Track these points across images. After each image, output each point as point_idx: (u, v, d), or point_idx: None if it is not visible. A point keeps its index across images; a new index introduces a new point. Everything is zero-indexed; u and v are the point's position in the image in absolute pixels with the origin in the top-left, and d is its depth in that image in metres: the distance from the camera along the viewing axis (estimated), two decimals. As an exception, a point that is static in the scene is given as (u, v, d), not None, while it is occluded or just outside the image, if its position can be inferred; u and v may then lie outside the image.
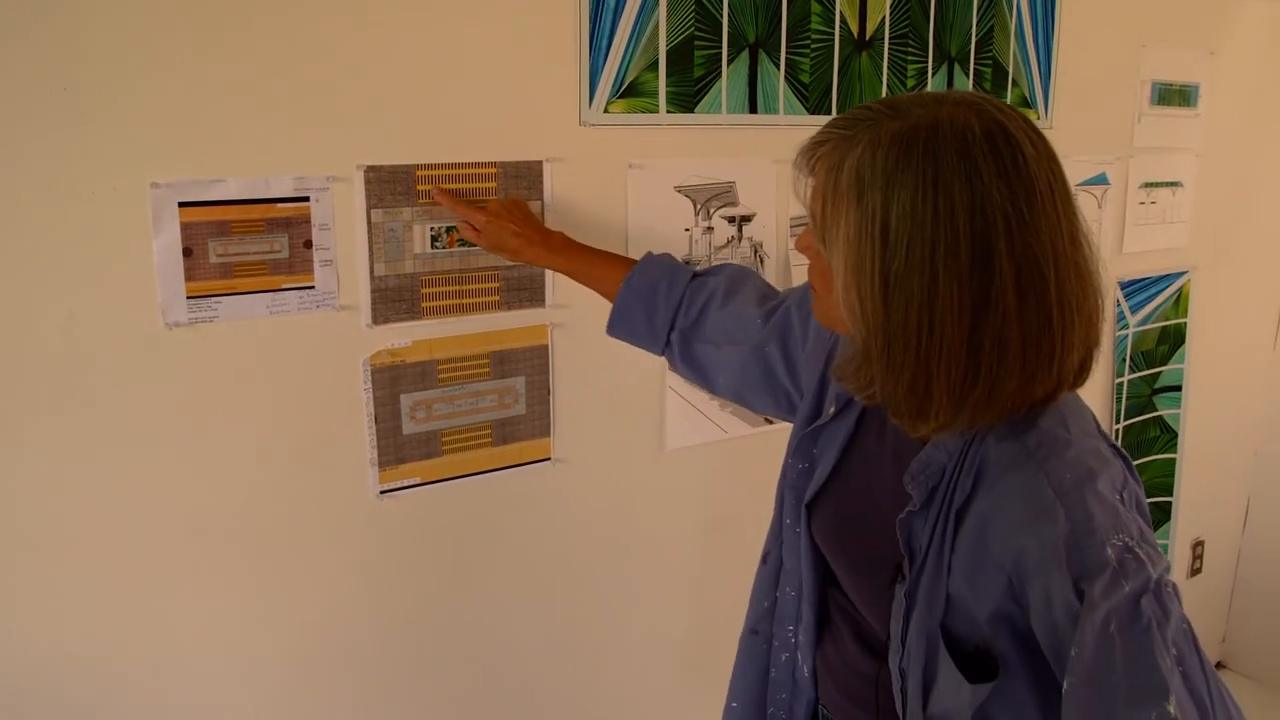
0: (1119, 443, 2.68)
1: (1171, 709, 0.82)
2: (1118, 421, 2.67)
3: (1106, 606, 0.83)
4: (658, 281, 1.42)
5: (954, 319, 0.85)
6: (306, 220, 1.39)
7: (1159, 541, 2.86)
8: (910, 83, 1.93)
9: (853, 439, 1.13)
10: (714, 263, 1.74)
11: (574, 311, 1.63)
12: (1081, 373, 0.93)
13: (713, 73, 1.69)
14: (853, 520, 1.11)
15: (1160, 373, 2.75)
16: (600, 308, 1.65)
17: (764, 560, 1.28)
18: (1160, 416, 2.79)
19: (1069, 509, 0.87)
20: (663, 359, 1.47)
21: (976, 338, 0.86)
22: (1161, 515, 2.87)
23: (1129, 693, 0.83)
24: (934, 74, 1.97)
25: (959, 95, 0.89)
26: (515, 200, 1.53)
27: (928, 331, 0.86)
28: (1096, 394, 2.61)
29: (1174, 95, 2.52)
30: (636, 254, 1.47)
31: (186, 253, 1.32)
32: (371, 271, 1.45)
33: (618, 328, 1.46)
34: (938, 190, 0.84)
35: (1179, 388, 2.81)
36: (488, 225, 1.47)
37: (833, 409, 1.14)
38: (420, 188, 1.46)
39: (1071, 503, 0.87)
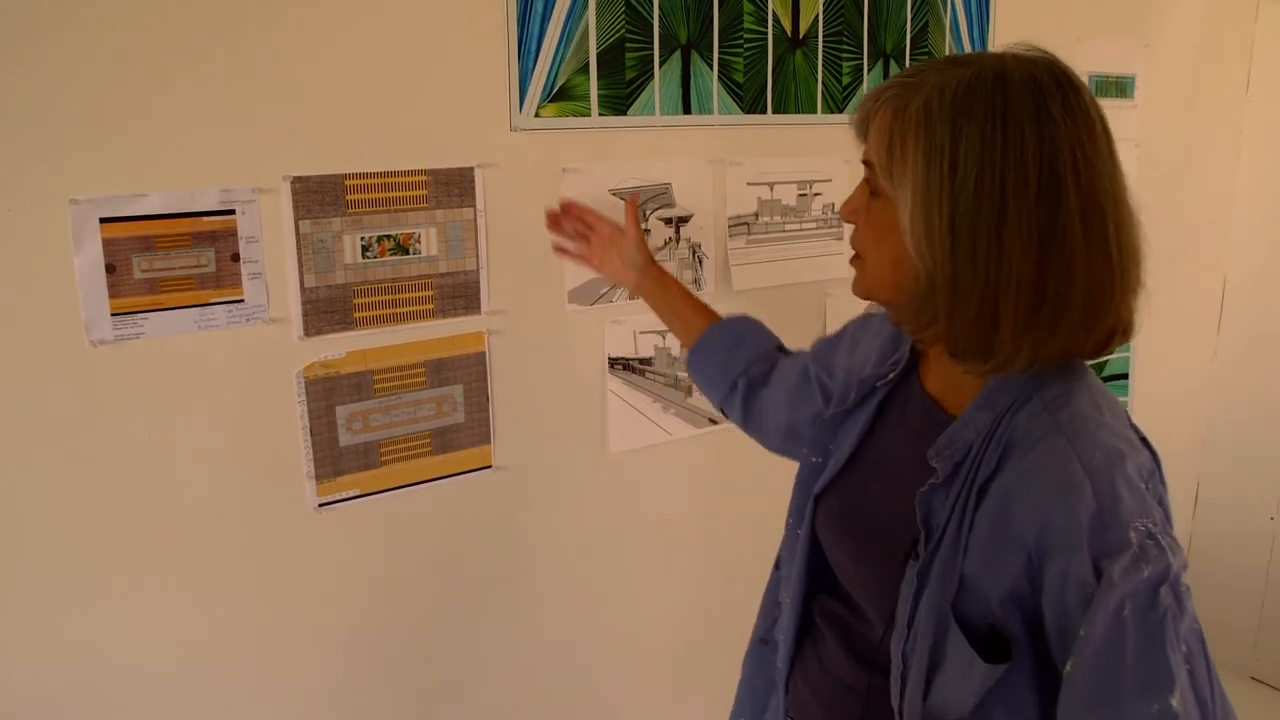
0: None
1: (1175, 703, 0.81)
2: (1065, 411, 2.69)
3: (1123, 589, 0.83)
4: (745, 335, 1.47)
5: (1022, 247, 0.87)
6: (233, 233, 1.37)
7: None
8: (845, 79, 1.94)
9: (871, 427, 1.12)
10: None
11: (511, 318, 1.63)
12: (1130, 325, 0.95)
13: (645, 74, 1.69)
14: (866, 502, 1.09)
15: (1106, 362, 2.78)
16: (538, 314, 1.65)
17: (775, 565, 1.27)
18: (1108, 405, 2.81)
19: (1097, 487, 0.86)
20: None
21: (1043, 267, 0.87)
22: (1112, 502, 2.89)
23: (1136, 679, 0.82)
24: (870, 70, 1.98)
25: (1023, 51, 0.93)
26: (608, 226, 1.60)
27: (995, 261, 0.87)
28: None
29: (1111, 87, 2.54)
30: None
31: (109, 269, 1.30)
32: (302, 283, 1.43)
33: (696, 355, 1.51)
34: (1007, 123, 0.86)
35: (1126, 375, 2.84)
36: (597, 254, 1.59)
37: (853, 397, 1.14)
38: (349, 197, 1.44)
39: (1100, 481, 0.86)
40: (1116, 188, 0.90)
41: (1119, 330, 0.93)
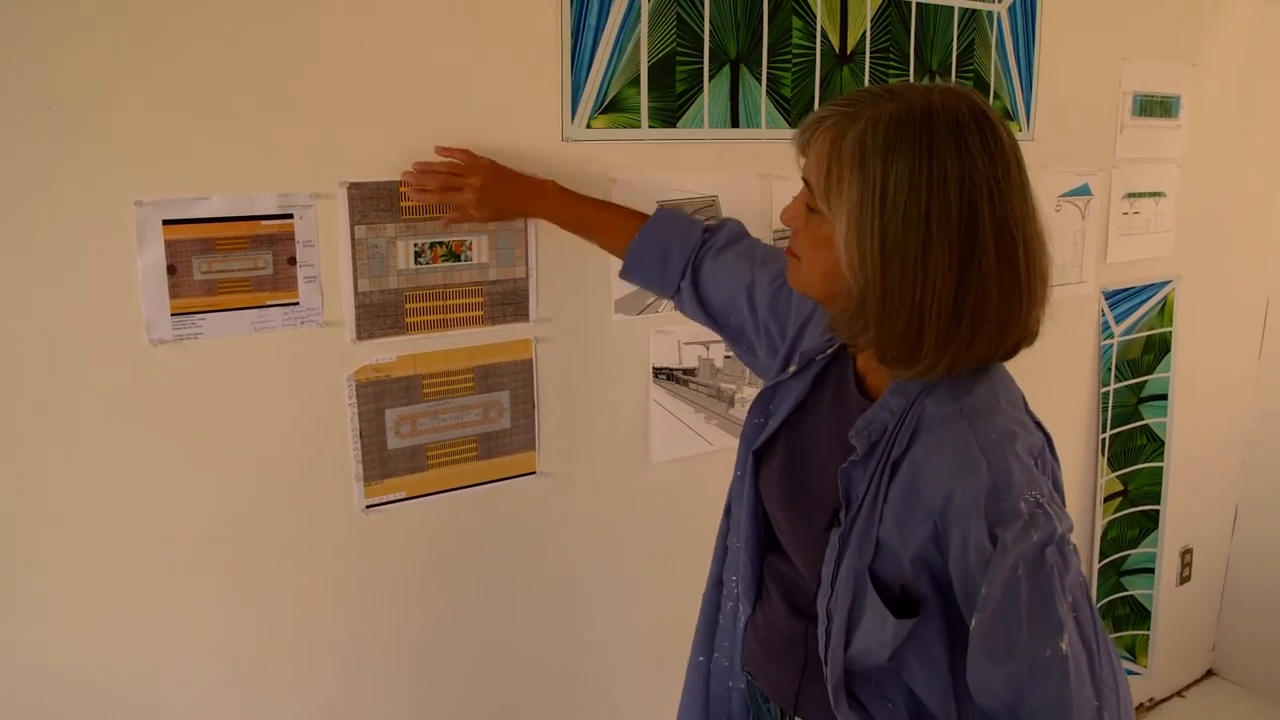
0: (1106, 452, 2.69)
1: (1064, 646, 0.95)
2: (1104, 430, 2.68)
3: (1016, 552, 0.95)
4: (670, 242, 1.50)
5: (944, 272, 0.97)
6: (290, 237, 1.40)
7: (1147, 550, 2.87)
8: (892, 96, 1.95)
9: (807, 398, 1.24)
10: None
11: (558, 326, 1.64)
12: (1034, 333, 1.06)
13: (694, 88, 1.70)
14: (799, 470, 1.21)
15: (1146, 381, 2.77)
16: (584, 323, 1.67)
17: (725, 513, 1.39)
18: (1147, 425, 2.80)
19: (991, 463, 0.98)
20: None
21: (963, 288, 0.98)
22: (1149, 524, 2.88)
23: (1030, 628, 0.95)
24: (915, 87, 1.99)
25: (946, 85, 1.02)
26: (485, 163, 1.49)
27: (921, 283, 0.97)
28: (1082, 403, 2.63)
29: (1155, 106, 2.54)
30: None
31: (170, 270, 1.32)
32: (355, 287, 1.45)
33: (631, 275, 1.54)
34: (932, 160, 0.96)
35: (1165, 396, 2.83)
36: (481, 200, 1.47)
37: (794, 368, 1.26)
38: (404, 204, 1.47)
39: (994, 458, 0.98)
40: (1027, 214, 1.01)
41: (1025, 339, 1.05)
